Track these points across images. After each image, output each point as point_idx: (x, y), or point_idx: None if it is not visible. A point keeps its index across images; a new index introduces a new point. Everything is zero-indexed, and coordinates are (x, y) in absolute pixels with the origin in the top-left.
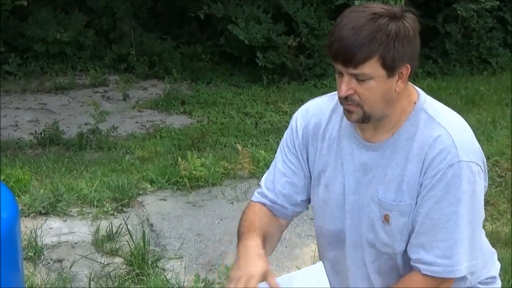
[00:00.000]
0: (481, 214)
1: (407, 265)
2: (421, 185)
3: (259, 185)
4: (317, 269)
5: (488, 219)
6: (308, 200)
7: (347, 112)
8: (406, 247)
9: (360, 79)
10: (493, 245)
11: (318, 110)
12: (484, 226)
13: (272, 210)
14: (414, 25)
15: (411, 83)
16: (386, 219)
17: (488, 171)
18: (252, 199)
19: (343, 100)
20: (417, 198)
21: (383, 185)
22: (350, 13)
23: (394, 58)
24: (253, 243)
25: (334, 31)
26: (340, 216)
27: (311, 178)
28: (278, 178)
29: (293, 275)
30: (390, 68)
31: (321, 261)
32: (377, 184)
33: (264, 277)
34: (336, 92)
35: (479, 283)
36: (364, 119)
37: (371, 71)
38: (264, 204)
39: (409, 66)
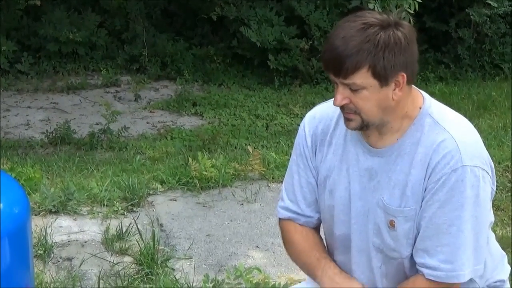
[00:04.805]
0: (487, 218)
1: (414, 269)
2: (425, 190)
3: (281, 199)
4: None
5: (498, 224)
6: None
7: (346, 120)
8: (413, 251)
9: (353, 89)
10: (503, 249)
11: (325, 115)
12: (494, 231)
13: (303, 224)
14: (408, 33)
15: (416, 88)
16: (391, 224)
17: (499, 176)
18: (279, 216)
19: (341, 108)
20: (421, 202)
21: (387, 191)
22: (343, 23)
23: (385, 67)
24: (336, 271)
25: (328, 41)
26: (346, 221)
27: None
28: (297, 189)
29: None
30: (382, 78)
31: None
32: (382, 189)
33: None
34: None
35: (488, 286)
36: (362, 127)
37: (362, 81)
38: (294, 220)
39: (404, 75)
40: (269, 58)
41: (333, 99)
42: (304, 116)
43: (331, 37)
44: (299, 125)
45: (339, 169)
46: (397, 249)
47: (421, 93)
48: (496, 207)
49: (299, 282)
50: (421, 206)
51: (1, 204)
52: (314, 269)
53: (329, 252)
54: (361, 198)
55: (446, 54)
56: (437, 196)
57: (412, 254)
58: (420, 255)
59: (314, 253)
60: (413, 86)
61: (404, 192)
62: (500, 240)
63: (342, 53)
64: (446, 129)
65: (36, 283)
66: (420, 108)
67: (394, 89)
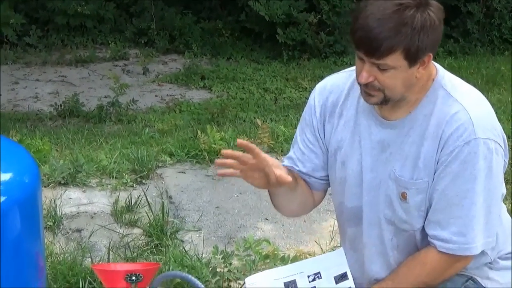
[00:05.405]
0: (499, 191)
1: (425, 241)
2: (437, 162)
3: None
4: (338, 254)
5: (507, 198)
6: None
7: (366, 95)
8: (425, 223)
9: (381, 68)
10: None
11: (335, 86)
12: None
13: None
14: (439, 14)
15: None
16: (403, 196)
17: (508, 150)
18: None
19: (363, 85)
20: (433, 175)
21: (400, 163)
22: (375, 1)
23: (418, 49)
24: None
25: (359, 19)
26: (357, 193)
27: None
28: (299, 156)
29: (315, 259)
30: (412, 59)
31: (341, 247)
32: (394, 161)
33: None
34: (353, 68)
35: (499, 258)
36: (383, 102)
37: (393, 62)
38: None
39: (431, 54)
40: (278, 32)
41: (344, 70)
42: (312, 90)
43: (363, 16)
44: (307, 98)
45: (351, 141)
46: (408, 221)
47: (434, 65)
48: (505, 180)
49: (308, 255)
50: (433, 179)
51: (11, 173)
52: None
53: (340, 225)
54: (373, 170)
55: (455, 28)
56: (449, 169)
57: (423, 226)
58: (432, 227)
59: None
60: None
61: (416, 164)
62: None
63: (379, 35)
64: (458, 101)
65: (46, 254)
66: (433, 80)
67: (418, 68)
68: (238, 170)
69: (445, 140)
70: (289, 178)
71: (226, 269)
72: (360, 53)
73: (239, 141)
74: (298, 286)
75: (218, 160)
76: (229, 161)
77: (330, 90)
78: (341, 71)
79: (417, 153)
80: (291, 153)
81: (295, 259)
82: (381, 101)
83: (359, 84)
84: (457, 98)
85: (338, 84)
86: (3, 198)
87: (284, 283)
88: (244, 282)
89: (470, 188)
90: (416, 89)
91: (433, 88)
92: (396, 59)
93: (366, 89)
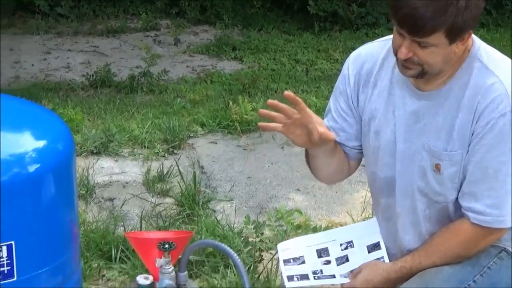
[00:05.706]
0: None
1: (458, 212)
2: (472, 134)
3: None
4: (371, 224)
5: None
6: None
7: (404, 68)
8: (458, 195)
9: (422, 45)
10: None
11: (370, 55)
12: None
13: None
14: None
15: None
16: (437, 168)
17: None
18: None
19: (403, 59)
20: (468, 146)
21: (434, 134)
22: None
23: (461, 28)
24: None
25: None
26: (390, 163)
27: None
28: (332, 125)
29: (348, 228)
30: (454, 37)
31: (374, 217)
32: (428, 132)
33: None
34: (388, 38)
35: None
36: (419, 75)
37: (435, 41)
38: None
39: (471, 31)
40: (309, 3)
41: (378, 40)
42: (344, 62)
43: None
44: (339, 70)
45: (385, 111)
46: (442, 193)
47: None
48: None
49: (340, 226)
50: (467, 151)
51: (46, 140)
52: None
53: (374, 195)
54: (406, 140)
55: (488, 0)
56: (484, 140)
57: (456, 198)
58: (467, 199)
59: None
60: None
61: (450, 136)
62: None
63: (424, 15)
64: (495, 73)
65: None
66: (469, 51)
67: (457, 43)
68: (281, 124)
69: (481, 111)
70: (332, 136)
71: (258, 239)
72: (402, 30)
73: (287, 92)
74: (330, 254)
75: (262, 110)
76: (273, 113)
77: (364, 59)
78: (375, 40)
79: (451, 125)
80: (324, 122)
81: (326, 229)
82: (418, 74)
83: (397, 57)
84: (493, 70)
85: (372, 53)
86: (37, 165)
87: (317, 250)
88: (277, 250)
89: (505, 161)
90: (452, 62)
91: (469, 59)
92: (438, 38)
93: (405, 63)
